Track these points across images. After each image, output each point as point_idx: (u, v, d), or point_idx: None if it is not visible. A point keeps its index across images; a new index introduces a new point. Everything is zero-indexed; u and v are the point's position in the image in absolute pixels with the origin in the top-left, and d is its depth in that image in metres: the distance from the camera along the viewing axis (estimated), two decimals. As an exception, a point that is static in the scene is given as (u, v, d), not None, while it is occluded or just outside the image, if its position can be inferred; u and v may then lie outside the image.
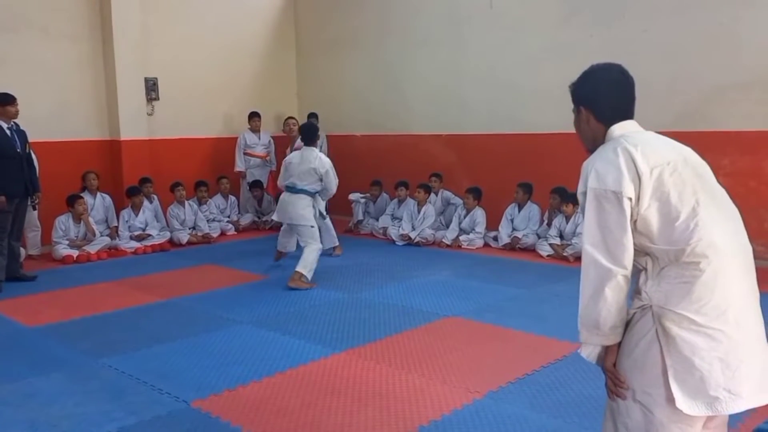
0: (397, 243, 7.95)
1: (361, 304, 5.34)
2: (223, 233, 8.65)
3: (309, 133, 6.19)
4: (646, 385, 1.80)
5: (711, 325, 1.74)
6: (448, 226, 8.00)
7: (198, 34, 9.19)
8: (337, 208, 8.92)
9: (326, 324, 4.80)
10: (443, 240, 7.78)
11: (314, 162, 6.01)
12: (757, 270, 1.89)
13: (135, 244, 7.63)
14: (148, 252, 7.62)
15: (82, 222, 7.33)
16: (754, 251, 1.92)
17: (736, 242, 1.82)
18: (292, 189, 6.06)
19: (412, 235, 7.87)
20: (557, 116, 6.74)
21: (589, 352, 1.93)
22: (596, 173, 1.83)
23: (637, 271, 1.87)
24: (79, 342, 4.44)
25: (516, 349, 4.23)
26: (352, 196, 8.87)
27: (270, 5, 10.25)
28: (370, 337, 4.48)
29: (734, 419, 2.62)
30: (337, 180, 6.20)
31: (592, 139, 2.02)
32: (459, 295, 5.53)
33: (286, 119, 8.93)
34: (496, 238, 7.68)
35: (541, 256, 7.06)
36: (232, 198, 9.21)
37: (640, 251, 1.83)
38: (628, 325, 1.88)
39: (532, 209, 7.57)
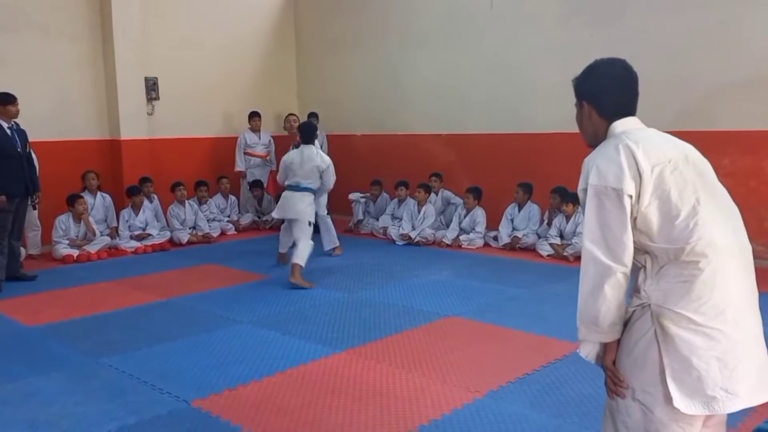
0: (397, 243, 7.95)
1: (362, 304, 5.34)
2: (223, 233, 8.65)
3: (307, 132, 6.32)
4: (646, 384, 1.80)
5: (709, 324, 1.74)
6: (448, 226, 8.00)
7: (198, 33, 9.20)
8: (337, 207, 8.92)
9: (326, 323, 4.80)
10: (443, 240, 7.78)
11: (316, 159, 6.14)
12: (757, 270, 1.88)
13: (135, 244, 7.63)
14: (148, 252, 7.62)
15: (82, 221, 7.33)
16: (754, 251, 1.92)
17: (736, 241, 1.82)
18: (296, 188, 6.12)
19: (412, 234, 7.87)
20: (557, 116, 6.77)
21: (588, 351, 1.92)
22: (597, 170, 1.83)
23: (636, 269, 1.87)
24: (80, 341, 4.44)
25: (516, 349, 4.23)
26: (352, 196, 8.87)
27: (270, 5, 10.25)
28: (370, 337, 4.48)
29: (734, 419, 2.61)
30: (335, 177, 6.33)
31: (593, 135, 2.02)
32: (459, 295, 5.53)
33: (287, 116, 8.93)
34: (496, 238, 7.68)
35: (542, 256, 7.06)
36: (232, 198, 9.21)
37: (639, 249, 1.83)
38: (627, 323, 1.87)
39: (532, 209, 7.57)
